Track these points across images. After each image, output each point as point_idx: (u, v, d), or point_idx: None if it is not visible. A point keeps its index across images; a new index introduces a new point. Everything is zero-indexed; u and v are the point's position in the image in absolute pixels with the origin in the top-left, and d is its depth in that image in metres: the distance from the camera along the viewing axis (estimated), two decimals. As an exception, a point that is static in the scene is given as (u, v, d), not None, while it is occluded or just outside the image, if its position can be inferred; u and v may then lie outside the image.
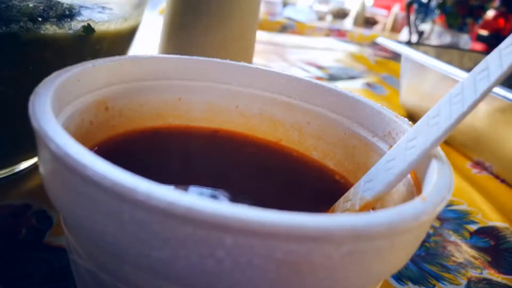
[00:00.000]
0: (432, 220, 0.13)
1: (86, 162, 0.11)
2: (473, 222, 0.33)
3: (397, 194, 0.17)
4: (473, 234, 0.31)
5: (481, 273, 0.27)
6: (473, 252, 0.29)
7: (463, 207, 0.35)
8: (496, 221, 0.33)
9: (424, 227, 0.12)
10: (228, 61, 0.22)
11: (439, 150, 0.16)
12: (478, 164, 0.44)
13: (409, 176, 0.17)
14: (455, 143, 0.47)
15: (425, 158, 0.15)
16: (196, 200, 0.10)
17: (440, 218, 0.33)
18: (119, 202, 0.10)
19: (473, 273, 0.27)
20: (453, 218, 0.33)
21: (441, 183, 0.13)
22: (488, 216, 0.34)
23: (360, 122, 0.20)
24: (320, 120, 0.22)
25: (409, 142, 0.16)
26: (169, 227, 0.10)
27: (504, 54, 0.15)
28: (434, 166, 0.15)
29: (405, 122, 0.18)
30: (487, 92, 0.15)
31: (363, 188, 0.16)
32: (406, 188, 0.16)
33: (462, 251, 0.29)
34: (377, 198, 0.16)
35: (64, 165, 0.11)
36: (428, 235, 0.30)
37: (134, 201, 0.10)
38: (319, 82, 0.22)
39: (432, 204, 0.12)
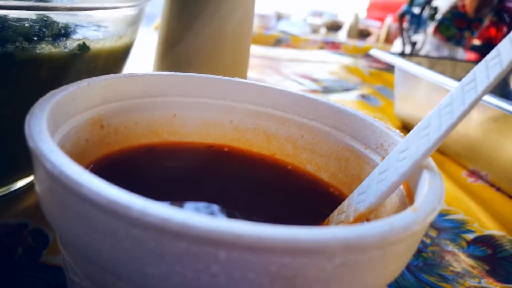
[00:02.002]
0: (424, 230, 0.13)
1: (81, 180, 0.11)
2: (470, 231, 0.33)
3: (390, 205, 0.17)
4: (470, 243, 0.31)
5: (479, 282, 0.27)
6: (470, 261, 0.29)
7: (459, 216, 0.35)
8: (493, 229, 0.33)
9: (416, 237, 0.13)
10: (221, 77, 0.22)
11: (430, 160, 0.16)
12: (473, 173, 0.44)
13: (401, 187, 0.17)
14: (450, 153, 0.47)
15: (417, 169, 0.16)
16: (190, 216, 0.10)
17: (437, 228, 0.33)
18: (114, 220, 0.10)
19: (471, 283, 0.27)
20: (450, 227, 0.33)
21: (432, 193, 0.13)
22: (485, 224, 0.34)
23: (352, 134, 0.21)
24: (313, 133, 0.22)
25: (400, 154, 0.16)
26: (163, 243, 0.10)
27: (491, 66, 0.15)
28: (425, 176, 0.15)
29: (396, 134, 0.19)
30: (475, 102, 0.15)
31: (357, 199, 0.16)
32: (399, 199, 0.17)
33: (459, 260, 0.29)
34: (371, 210, 0.16)
35: (60, 184, 0.11)
36: (426, 245, 0.30)
37: (129, 218, 0.10)
38: (311, 96, 0.22)
39: (423, 214, 0.12)
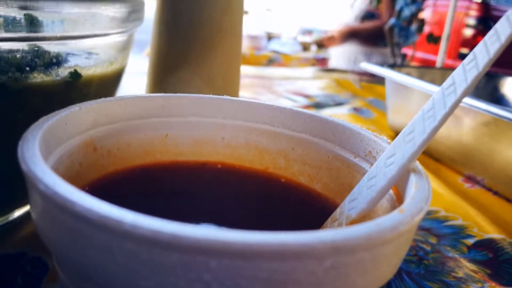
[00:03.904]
0: (412, 231, 0.13)
1: (74, 199, 0.11)
2: (470, 236, 0.33)
3: (381, 210, 0.17)
4: (470, 248, 0.31)
5: (483, 286, 0.27)
6: (472, 266, 0.29)
7: (458, 222, 0.35)
8: (492, 233, 0.33)
9: (405, 238, 0.13)
10: (211, 96, 0.23)
11: (417, 164, 0.16)
12: (470, 179, 0.45)
13: (391, 191, 0.17)
14: (446, 160, 0.48)
15: (405, 173, 0.16)
16: (180, 226, 0.10)
17: (437, 235, 0.33)
18: (107, 235, 0.11)
19: (474, 288, 0.26)
20: (450, 233, 0.33)
21: (419, 195, 0.14)
22: (484, 229, 0.34)
23: (341, 144, 0.21)
24: (303, 145, 0.22)
25: (388, 159, 0.16)
26: (156, 255, 0.10)
27: (468, 69, 0.16)
28: (412, 179, 0.15)
29: (383, 141, 0.19)
30: (456, 105, 0.15)
31: (348, 207, 0.17)
32: (390, 203, 0.17)
33: (461, 266, 0.29)
34: (362, 215, 0.16)
35: (54, 204, 0.11)
36: (426, 253, 0.30)
37: (121, 232, 0.10)
38: (299, 109, 0.23)
39: (410, 215, 0.12)
